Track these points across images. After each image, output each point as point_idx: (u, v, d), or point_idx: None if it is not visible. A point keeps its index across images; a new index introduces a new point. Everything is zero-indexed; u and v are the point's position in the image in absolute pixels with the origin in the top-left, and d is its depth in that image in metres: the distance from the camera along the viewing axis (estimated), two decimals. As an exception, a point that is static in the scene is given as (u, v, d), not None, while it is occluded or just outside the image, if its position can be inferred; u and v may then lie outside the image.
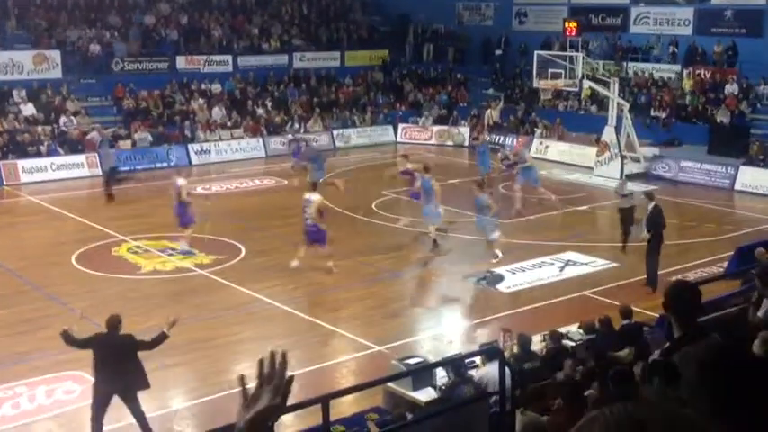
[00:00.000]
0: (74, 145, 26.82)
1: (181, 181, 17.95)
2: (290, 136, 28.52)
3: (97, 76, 30.28)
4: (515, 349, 10.03)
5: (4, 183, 24.68)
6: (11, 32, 29.95)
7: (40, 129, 27.08)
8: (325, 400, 5.79)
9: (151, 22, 33.16)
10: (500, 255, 16.93)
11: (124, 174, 24.20)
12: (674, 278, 14.99)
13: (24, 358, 12.18)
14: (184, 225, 17.81)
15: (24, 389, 11.13)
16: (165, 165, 27.54)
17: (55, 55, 29.35)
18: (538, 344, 10.56)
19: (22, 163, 25.41)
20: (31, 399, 10.93)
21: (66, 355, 12.44)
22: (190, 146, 28.56)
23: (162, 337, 9.88)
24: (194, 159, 28.39)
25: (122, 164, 26.81)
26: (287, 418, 9.14)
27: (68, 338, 9.67)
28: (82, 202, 22.73)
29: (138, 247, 18.18)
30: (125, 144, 27.90)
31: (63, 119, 27.78)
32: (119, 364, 9.58)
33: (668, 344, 4.75)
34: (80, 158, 26.26)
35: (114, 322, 9.77)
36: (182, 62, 32.01)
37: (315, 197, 16.33)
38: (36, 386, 11.24)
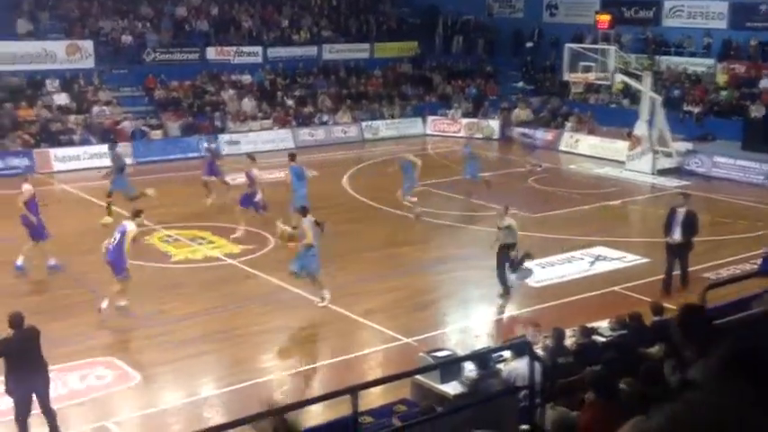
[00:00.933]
0: (105, 134, 27.06)
1: (26, 186, 15.89)
2: (204, 144, 25.60)
3: (129, 67, 30.54)
4: (548, 342, 9.97)
5: (37, 171, 24.96)
6: (45, 22, 30.25)
7: (72, 118, 27.36)
8: (354, 391, 5.79)
9: (182, 14, 33.35)
10: (327, 296, 14.16)
11: None
12: (706, 275, 14.86)
13: (57, 344, 12.32)
14: (36, 237, 15.68)
15: (58, 374, 11.24)
16: (196, 155, 27.72)
17: (88, 45, 29.61)
18: (568, 339, 10.49)
19: (55, 151, 25.70)
20: (64, 384, 11.06)
21: (97, 340, 12.64)
22: (220, 136, 28.71)
23: None
24: (225, 149, 28.51)
25: (154, 154, 27.13)
26: (316, 408, 9.18)
27: None
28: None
29: (168, 236, 18.36)
30: (156, 134, 28.16)
31: (95, 108, 28.04)
32: (32, 361, 9.39)
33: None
34: (111, 148, 26.48)
35: (18, 320, 9.39)
36: (212, 53, 32.17)
37: (131, 227, 13.60)
38: (69, 371, 11.38)
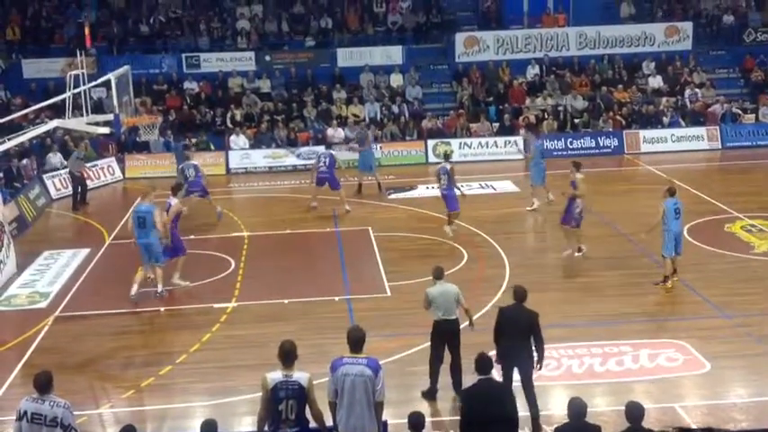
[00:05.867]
0: (695, 117, 26.90)
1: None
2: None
3: (727, 48, 29.82)
4: None
5: (626, 151, 25.91)
6: (645, 5, 30.94)
7: (663, 100, 27.66)
8: None
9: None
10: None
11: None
12: None
13: (631, 319, 12.82)
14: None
15: (629, 348, 11.71)
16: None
17: (687, 26, 29.62)
18: None
19: (644, 133, 26.34)
20: (634, 359, 11.44)
21: (669, 323, 12.80)
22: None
23: None
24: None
25: (744, 138, 26.05)
26: None
27: None
28: (698, 175, 22.72)
29: (752, 225, 17.58)
30: (749, 118, 27.04)
31: (687, 91, 27.97)
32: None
33: None
34: (700, 131, 26.23)
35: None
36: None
37: None
38: (640, 348, 11.70)
